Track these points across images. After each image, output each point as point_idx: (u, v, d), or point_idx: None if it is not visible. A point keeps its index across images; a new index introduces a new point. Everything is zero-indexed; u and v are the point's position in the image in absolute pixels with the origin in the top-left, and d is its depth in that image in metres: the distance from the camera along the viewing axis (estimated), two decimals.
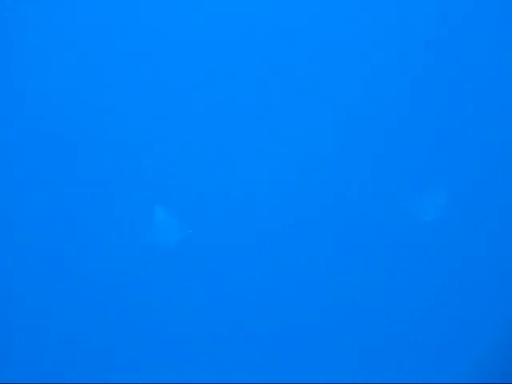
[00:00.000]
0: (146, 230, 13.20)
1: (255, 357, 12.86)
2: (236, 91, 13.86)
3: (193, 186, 13.47)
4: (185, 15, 14.06)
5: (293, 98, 13.85)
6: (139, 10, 14.05)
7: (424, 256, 13.18)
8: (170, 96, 13.83)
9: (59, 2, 13.97)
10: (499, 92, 13.71)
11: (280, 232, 13.29)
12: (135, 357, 12.77)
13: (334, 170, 13.60)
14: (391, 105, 13.80)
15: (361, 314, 12.98)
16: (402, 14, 13.99)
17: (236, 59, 13.95)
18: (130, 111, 13.72)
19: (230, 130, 13.72)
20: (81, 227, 13.32)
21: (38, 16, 13.93)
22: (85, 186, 13.46)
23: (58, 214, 13.33)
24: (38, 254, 13.14)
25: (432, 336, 12.85)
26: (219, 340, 12.84)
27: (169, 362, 12.80)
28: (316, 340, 12.92)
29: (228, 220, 13.36)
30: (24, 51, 13.85)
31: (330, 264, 13.15)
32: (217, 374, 12.72)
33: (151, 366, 12.77)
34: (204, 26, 14.03)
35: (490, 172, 13.45)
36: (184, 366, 12.76)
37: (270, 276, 13.15)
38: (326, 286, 13.11)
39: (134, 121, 13.74)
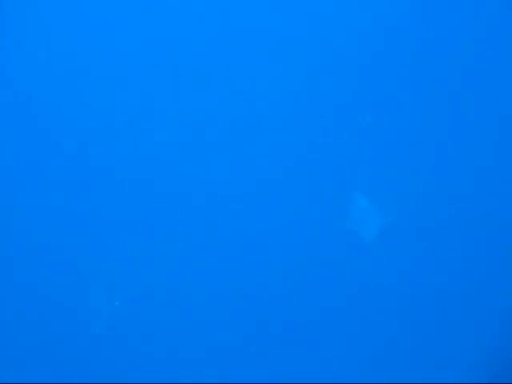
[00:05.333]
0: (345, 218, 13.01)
1: (255, 356, 12.93)
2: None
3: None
4: (185, 16, 14.10)
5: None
6: (140, 8, 14.13)
7: (423, 255, 13.22)
8: None
9: (59, 2, 14.03)
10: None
11: None
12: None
13: None
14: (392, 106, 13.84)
15: (361, 313, 13.02)
16: (401, 14, 14.04)
17: (236, 57, 14.00)
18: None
19: None
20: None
21: (37, 15, 13.98)
22: None
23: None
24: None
25: (432, 336, 12.88)
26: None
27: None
28: (316, 340, 12.97)
29: None
30: (23, 51, 13.90)
31: (333, 263, 13.20)
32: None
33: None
34: (204, 25, 14.08)
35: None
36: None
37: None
38: (327, 285, 13.15)
39: None
